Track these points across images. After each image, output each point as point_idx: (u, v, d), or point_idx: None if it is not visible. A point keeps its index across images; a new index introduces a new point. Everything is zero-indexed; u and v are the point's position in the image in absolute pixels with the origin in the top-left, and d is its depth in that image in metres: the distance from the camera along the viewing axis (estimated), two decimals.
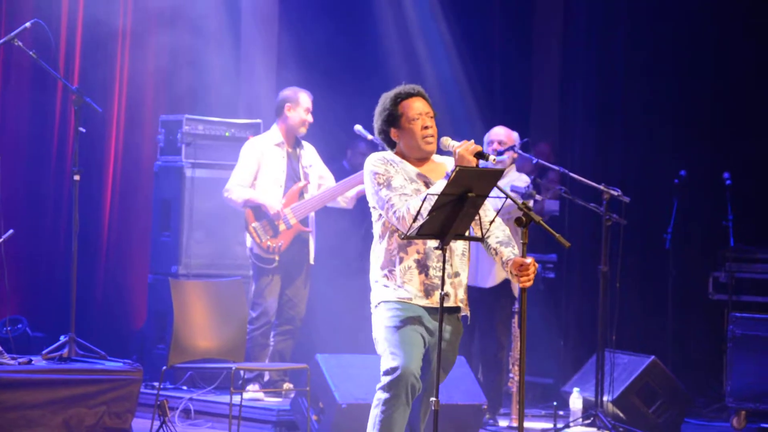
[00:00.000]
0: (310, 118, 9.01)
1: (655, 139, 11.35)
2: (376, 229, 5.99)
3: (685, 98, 11.29)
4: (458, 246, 5.93)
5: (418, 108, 5.97)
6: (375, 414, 5.86)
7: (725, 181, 10.42)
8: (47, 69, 8.22)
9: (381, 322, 5.89)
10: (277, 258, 8.91)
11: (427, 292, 5.87)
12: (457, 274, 5.90)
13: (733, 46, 11.06)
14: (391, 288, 5.88)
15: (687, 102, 11.29)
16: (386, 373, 5.84)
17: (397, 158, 5.97)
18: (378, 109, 6.04)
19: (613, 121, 11.52)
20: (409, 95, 6.00)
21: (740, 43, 11.03)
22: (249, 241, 8.95)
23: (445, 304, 5.83)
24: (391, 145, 6.05)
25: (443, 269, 5.71)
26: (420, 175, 5.94)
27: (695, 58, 11.26)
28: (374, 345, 5.97)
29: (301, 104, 8.98)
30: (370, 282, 6.02)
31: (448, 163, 6.03)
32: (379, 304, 5.92)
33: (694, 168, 10.85)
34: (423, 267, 5.87)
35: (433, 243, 5.83)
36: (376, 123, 6.04)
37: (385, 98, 6.03)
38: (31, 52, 8.11)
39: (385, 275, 5.90)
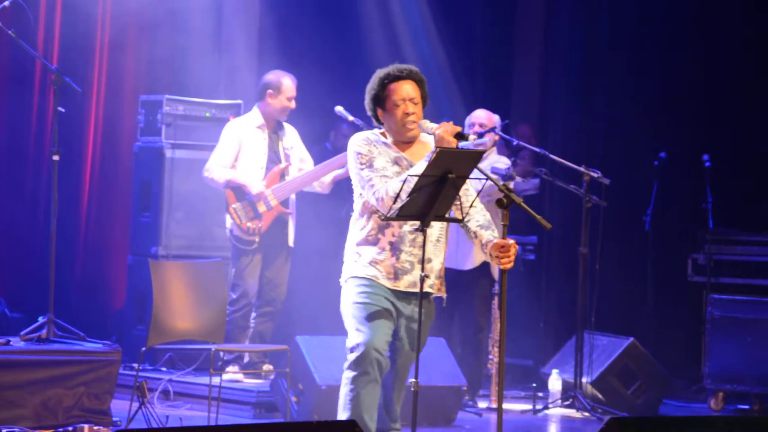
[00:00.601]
0: (292, 105, 8.97)
1: (635, 122, 11.36)
2: (357, 206, 6.01)
3: (665, 81, 11.31)
4: (434, 232, 5.93)
5: (403, 92, 5.96)
6: (344, 393, 5.87)
7: (705, 164, 10.45)
8: (26, 48, 8.18)
9: (348, 297, 5.90)
10: (257, 239, 8.89)
11: (396, 275, 5.87)
12: (429, 260, 5.90)
13: (716, 29, 11.06)
14: (361, 264, 5.88)
15: (667, 84, 11.30)
16: (351, 350, 5.85)
17: (381, 139, 5.97)
18: (368, 87, 6.08)
19: (594, 103, 11.53)
20: (397, 78, 5.98)
21: (722, 26, 11.03)
22: (229, 222, 8.94)
23: (412, 290, 5.84)
24: (379, 121, 6.07)
25: (423, 251, 5.71)
26: (402, 159, 5.93)
27: (677, 41, 11.26)
28: (342, 320, 5.98)
29: (283, 92, 8.95)
30: (344, 253, 6.04)
31: (432, 143, 6.02)
32: (348, 279, 5.93)
33: (674, 150, 10.87)
34: (395, 250, 5.87)
35: (408, 227, 5.84)
36: (366, 100, 6.08)
37: (375, 77, 6.04)
38: (10, 31, 8.06)
39: (358, 252, 5.91)
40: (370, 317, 5.84)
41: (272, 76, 9.01)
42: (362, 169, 5.86)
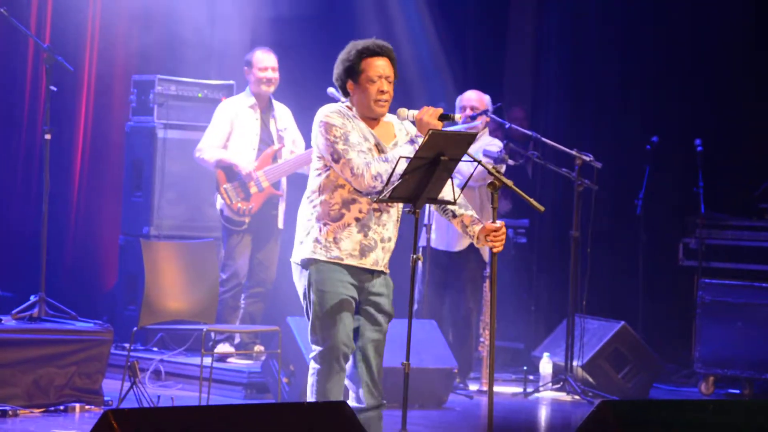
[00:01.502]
0: (268, 75, 8.94)
1: (627, 105, 11.36)
2: (316, 180, 5.86)
3: (657, 64, 11.30)
4: (394, 212, 5.90)
5: (379, 69, 5.88)
6: (311, 383, 5.86)
7: (697, 148, 10.45)
8: (18, 26, 8.15)
9: (311, 284, 5.83)
10: (247, 220, 8.89)
11: (362, 253, 5.82)
12: (389, 239, 5.88)
13: (708, 13, 11.05)
14: (323, 245, 5.81)
15: (659, 68, 11.29)
16: (316, 342, 5.82)
17: (351, 113, 5.90)
18: (342, 56, 5.93)
19: (586, 86, 11.52)
20: (375, 53, 5.92)
21: (714, 10, 11.03)
22: (219, 203, 8.93)
23: (375, 268, 5.82)
24: (345, 93, 5.98)
25: (415, 232, 5.70)
26: (372, 135, 5.88)
27: (669, 25, 11.26)
28: (300, 300, 5.93)
29: (254, 64, 8.96)
30: (298, 233, 5.92)
31: (395, 122, 5.97)
32: (309, 263, 5.85)
33: (666, 134, 10.87)
34: (363, 227, 5.81)
35: (374, 205, 5.80)
36: (336, 68, 5.93)
37: (352, 48, 5.93)
38: (2, 9, 8.03)
39: (320, 228, 5.83)
40: (335, 308, 5.77)
41: (249, 54, 9.05)
42: (336, 142, 5.75)
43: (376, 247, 5.82)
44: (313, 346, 5.84)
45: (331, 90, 8.84)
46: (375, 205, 5.77)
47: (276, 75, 8.99)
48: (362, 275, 5.84)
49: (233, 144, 8.92)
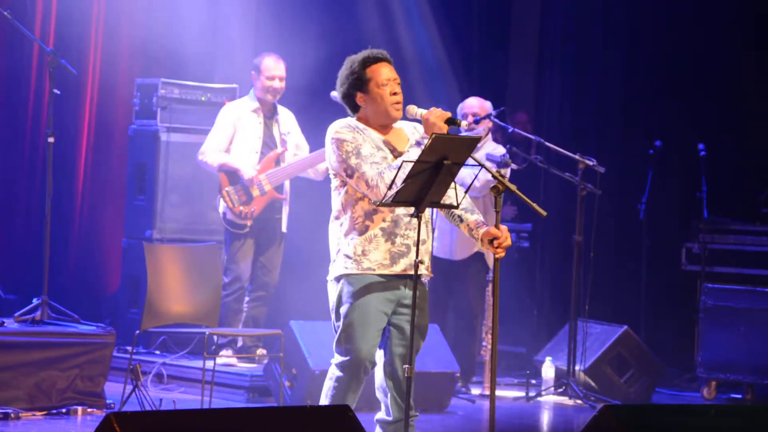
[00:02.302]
0: (275, 84, 8.93)
1: (630, 110, 11.36)
2: (337, 199, 5.90)
3: (661, 69, 11.30)
4: (425, 213, 5.90)
5: (386, 74, 5.91)
6: (328, 386, 5.88)
7: (700, 153, 10.45)
8: (22, 30, 8.16)
9: (341, 297, 5.85)
10: (249, 223, 8.89)
11: (393, 260, 5.83)
12: (423, 242, 5.88)
13: (711, 16, 11.05)
14: (353, 259, 5.83)
15: (663, 72, 11.29)
16: (340, 352, 5.84)
17: (361, 125, 5.90)
18: (344, 73, 5.94)
19: (589, 90, 11.52)
20: (378, 60, 5.93)
21: (717, 12, 11.03)
22: (222, 207, 8.94)
23: (411, 272, 5.81)
24: (354, 109, 5.99)
25: (418, 237, 5.70)
26: (386, 143, 5.89)
27: (672, 29, 11.26)
28: (331, 315, 5.94)
29: (262, 72, 8.94)
30: (331, 252, 5.96)
31: (406, 128, 5.98)
32: (340, 278, 5.88)
33: (670, 139, 10.87)
34: (390, 234, 5.83)
35: (403, 210, 5.81)
36: (342, 86, 5.95)
37: (353, 62, 5.94)
38: (5, 12, 8.04)
39: (348, 243, 5.85)
40: (362, 321, 5.79)
41: (257, 58, 9.04)
42: (349, 158, 5.78)
43: (409, 252, 5.83)
44: (337, 355, 5.87)
45: (334, 94, 8.84)
46: (404, 210, 5.78)
47: (282, 85, 8.98)
48: (395, 285, 5.84)
49: (236, 147, 8.92)
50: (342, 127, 5.85)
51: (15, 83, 9.85)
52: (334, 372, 5.88)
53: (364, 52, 5.94)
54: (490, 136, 9.16)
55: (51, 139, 7.97)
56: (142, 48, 10.27)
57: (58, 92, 8.01)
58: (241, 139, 8.93)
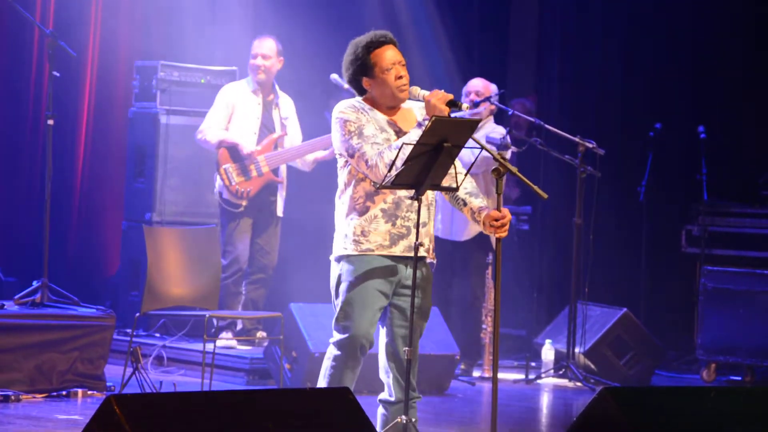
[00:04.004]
0: (257, 62, 8.93)
1: (630, 92, 11.35)
2: (341, 178, 5.91)
3: (660, 51, 11.28)
4: (427, 196, 5.89)
5: (390, 57, 5.89)
6: (326, 366, 5.89)
7: (700, 135, 10.43)
8: (22, 12, 8.14)
9: (341, 276, 5.85)
10: (244, 203, 8.89)
11: (393, 241, 5.82)
12: (424, 224, 5.87)
13: (712, 1, 11.04)
14: (351, 239, 5.83)
15: (662, 55, 11.27)
16: (337, 330, 5.84)
17: (368, 106, 5.89)
18: (349, 58, 5.92)
19: (590, 73, 11.50)
20: (381, 43, 5.91)
21: None
22: (218, 185, 8.93)
23: (409, 254, 5.81)
24: (361, 92, 5.99)
25: (418, 219, 5.70)
26: (391, 124, 5.87)
27: (671, 12, 11.23)
28: (331, 294, 5.94)
29: (251, 52, 8.97)
30: (335, 234, 5.98)
31: (415, 109, 5.97)
32: (341, 258, 5.88)
33: (670, 121, 10.85)
34: (390, 216, 5.82)
35: (405, 192, 5.80)
36: (347, 71, 5.95)
37: (356, 46, 5.93)
38: None
39: (348, 224, 5.86)
40: (360, 301, 5.79)
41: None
42: (351, 138, 5.78)
43: (409, 233, 5.82)
44: (335, 333, 5.87)
45: (334, 76, 8.86)
46: (406, 193, 5.78)
47: (266, 63, 8.94)
48: (395, 265, 5.84)
49: (234, 127, 8.93)
50: (347, 107, 5.85)
51: (17, 66, 9.83)
52: (331, 351, 5.89)
53: (368, 35, 5.91)
54: (491, 118, 9.14)
55: (51, 122, 7.96)
56: (142, 30, 10.25)
57: (58, 74, 8.00)
58: (240, 119, 8.93)
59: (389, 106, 5.91)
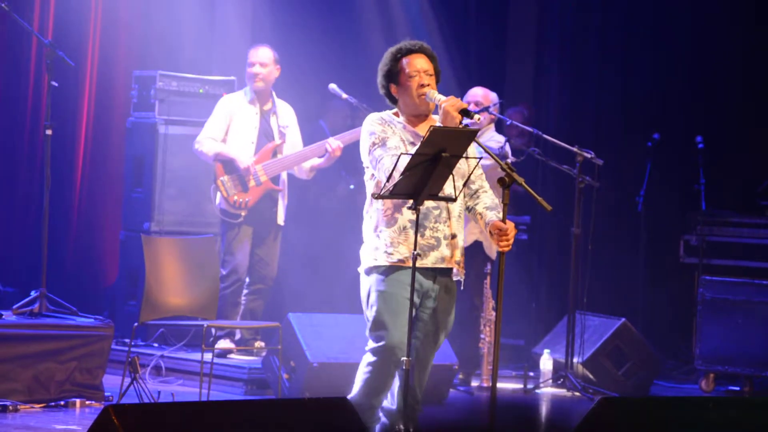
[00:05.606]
0: (254, 70, 8.92)
1: (628, 102, 11.36)
2: (369, 188, 5.97)
3: (659, 61, 11.29)
4: (455, 207, 5.91)
5: (417, 65, 5.95)
6: (362, 371, 5.93)
7: (698, 145, 10.44)
8: (20, 22, 8.15)
9: (372, 286, 5.88)
10: (243, 213, 8.88)
11: (423, 253, 5.85)
12: (453, 236, 5.89)
13: (709, 8, 11.05)
14: (382, 251, 5.86)
15: (661, 65, 11.29)
16: (372, 339, 5.87)
17: (396, 118, 5.96)
18: (380, 65, 6.03)
19: (588, 83, 11.51)
20: (410, 51, 5.99)
21: (716, 6, 11.02)
22: (217, 197, 8.93)
23: (440, 266, 5.84)
24: (393, 101, 6.03)
25: (416, 226, 5.70)
26: (417, 136, 5.90)
27: (670, 22, 11.25)
28: (362, 305, 5.96)
29: (248, 61, 8.98)
30: (364, 243, 6.00)
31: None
32: (370, 269, 5.90)
33: (668, 131, 10.86)
34: (419, 227, 5.83)
35: (432, 203, 5.82)
36: (379, 79, 6.03)
37: (387, 53, 6.02)
38: (3, 5, 8.03)
39: (378, 236, 5.88)
40: (393, 309, 5.82)
41: None
42: (374, 149, 5.84)
43: (439, 245, 5.84)
44: (370, 341, 5.92)
45: (332, 86, 8.87)
46: (433, 204, 5.80)
47: (263, 71, 8.94)
48: (424, 277, 5.85)
49: (232, 137, 8.93)
50: (374, 120, 5.94)
51: (15, 76, 9.84)
52: (367, 358, 5.92)
53: (399, 44, 6.02)
54: (492, 126, 9.15)
55: (49, 132, 7.96)
56: (140, 40, 10.26)
57: (56, 84, 8.01)
58: (237, 130, 8.93)
59: (414, 114, 5.96)
